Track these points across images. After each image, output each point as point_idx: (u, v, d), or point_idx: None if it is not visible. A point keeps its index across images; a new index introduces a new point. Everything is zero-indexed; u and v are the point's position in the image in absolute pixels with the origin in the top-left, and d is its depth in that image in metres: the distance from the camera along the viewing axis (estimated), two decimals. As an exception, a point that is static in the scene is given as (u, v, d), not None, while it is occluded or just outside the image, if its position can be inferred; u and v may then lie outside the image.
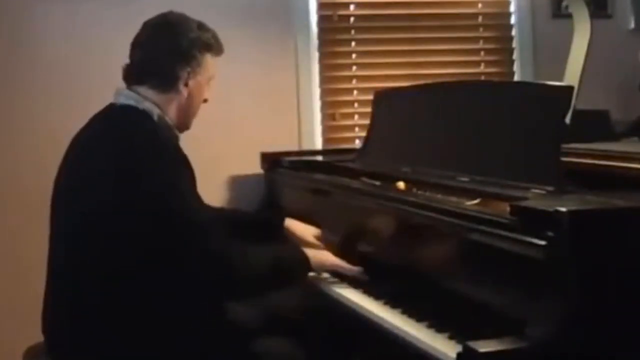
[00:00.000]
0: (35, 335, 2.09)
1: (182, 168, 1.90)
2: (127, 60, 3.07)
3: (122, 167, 1.86)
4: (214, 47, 2.10)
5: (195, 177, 1.93)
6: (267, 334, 2.09)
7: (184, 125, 2.12)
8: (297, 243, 2.24)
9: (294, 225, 2.41)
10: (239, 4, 3.03)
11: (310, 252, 2.09)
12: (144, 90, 2.02)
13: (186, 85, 2.04)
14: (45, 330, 1.97)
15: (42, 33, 3.06)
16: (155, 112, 2.00)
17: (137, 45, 2.08)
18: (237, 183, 3.19)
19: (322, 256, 2.13)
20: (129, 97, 2.01)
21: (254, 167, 3.07)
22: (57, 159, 3.00)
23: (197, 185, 1.94)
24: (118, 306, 1.83)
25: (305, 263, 2.05)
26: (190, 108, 2.09)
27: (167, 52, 2.03)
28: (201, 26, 2.09)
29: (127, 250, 1.83)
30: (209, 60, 2.09)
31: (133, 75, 2.06)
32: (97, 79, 3.08)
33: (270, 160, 3.02)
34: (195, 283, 1.86)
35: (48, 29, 3.06)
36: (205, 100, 2.15)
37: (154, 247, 1.82)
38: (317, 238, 2.36)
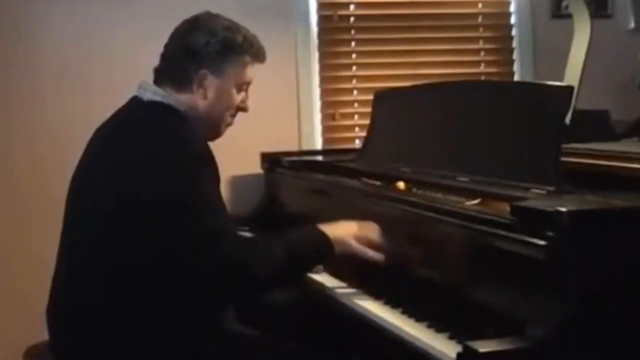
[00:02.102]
0: (35, 335, 2.09)
1: (208, 167, 1.86)
2: (126, 61, 3.10)
3: (146, 161, 1.83)
4: (243, 50, 2.02)
5: (219, 176, 1.90)
6: (267, 334, 2.09)
7: (211, 130, 2.05)
8: (315, 227, 2.04)
9: None
10: (239, 4, 3.03)
11: (330, 232, 1.96)
12: (165, 88, 1.99)
13: (201, 87, 1.99)
14: (50, 328, 1.97)
15: (42, 33, 3.06)
16: (182, 108, 1.97)
17: (165, 45, 2.06)
18: (237, 183, 3.19)
19: (344, 239, 1.97)
20: (155, 93, 1.98)
21: (254, 167, 3.07)
22: (55, 159, 3.02)
23: (219, 185, 1.90)
24: (126, 307, 1.82)
25: (327, 249, 1.95)
26: (213, 112, 2.02)
27: (181, 51, 2.00)
28: (229, 28, 2.02)
29: (141, 249, 1.81)
30: (236, 64, 2.02)
31: (156, 73, 2.04)
32: (97, 78, 3.09)
33: (270, 160, 3.02)
34: (210, 288, 1.84)
35: (48, 29, 3.07)
36: (241, 109, 2.09)
37: (168, 248, 1.80)
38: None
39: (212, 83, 2.00)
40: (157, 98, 1.97)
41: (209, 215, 1.82)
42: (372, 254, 1.96)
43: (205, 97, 2.00)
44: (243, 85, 2.07)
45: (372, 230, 2.00)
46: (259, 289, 1.93)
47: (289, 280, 1.98)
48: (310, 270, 2.05)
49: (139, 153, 1.86)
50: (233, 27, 2.03)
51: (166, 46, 2.06)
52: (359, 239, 1.97)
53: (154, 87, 1.99)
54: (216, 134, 2.08)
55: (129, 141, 1.91)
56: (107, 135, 2.00)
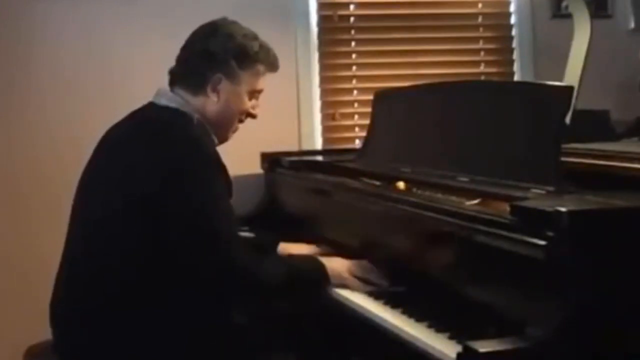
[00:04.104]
0: (36, 334, 2.09)
1: (218, 172, 1.90)
2: (126, 61, 3.10)
3: (162, 165, 1.85)
4: (258, 59, 2.07)
5: (230, 184, 1.94)
6: (266, 334, 2.09)
7: (220, 135, 2.08)
8: (314, 257, 2.13)
9: (288, 249, 2.36)
10: (239, 4, 3.03)
11: (327, 264, 2.02)
12: (179, 91, 2.03)
13: (215, 90, 2.02)
14: (52, 324, 1.97)
15: (41, 33, 3.06)
16: (195, 116, 2.00)
17: (182, 48, 2.09)
18: (237, 183, 3.15)
19: (340, 272, 2.03)
20: (172, 100, 2.01)
21: (254, 167, 3.07)
22: (55, 159, 3.02)
23: (230, 193, 1.94)
24: (128, 306, 1.83)
25: (323, 278, 2.00)
26: (223, 117, 2.06)
27: (198, 54, 2.03)
28: (247, 35, 2.06)
29: (145, 249, 1.83)
30: (251, 71, 2.06)
31: (171, 75, 2.07)
32: (97, 79, 3.09)
33: (270, 160, 3.01)
34: (211, 289, 1.86)
35: (48, 29, 3.07)
36: (251, 115, 2.13)
37: (173, 248, 1.82)
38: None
39: (225, 87, 2.03)
40: (173, 105, 2.00)
41: (215, 217, 1.84)
42: (364, 287, 1.99)
43: (217, 100, 2.03)
44: (255, 93, 2.11)
45: (366, 269, 2.04)
46: (258, 297, 1.95)
47: (283, 299, 2.02)
48: (304, 297, 2.06)
49: (149, 154, 1.87)
50: (250, 35, 2.07)
51: (183, 49, 2.09)
52: (353, 274, 2.02)
53: (171, 94, 2.02)
54: (223, 138, 2.11)
55: (140, 143, 1.93)
56: (119, 136, 2.01)
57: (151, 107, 2.03)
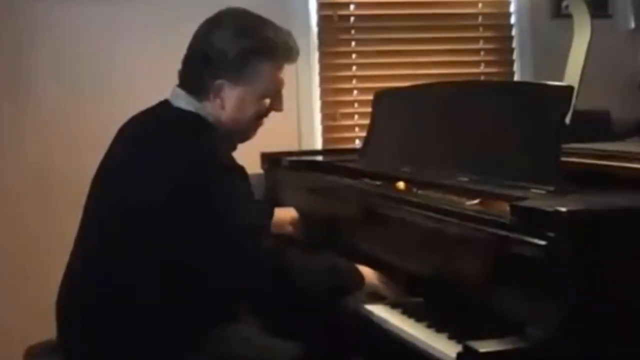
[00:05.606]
0: (36, 334, 2.09)
1: (240, 181, 1.84)
2: (126, 61, 3.11)
3: (170, 172, 1.79)
4: (264, 57, 1.92)
5: (249, 186, 1.87)
6: (266, 334, 2.09)
7: (238, 137, 2.00)
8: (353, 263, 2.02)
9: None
10: (238, 4, 3.03)
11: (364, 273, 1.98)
12: (186, 94, 1.92)
13: (218, 97, 1.90)
14: (57, 320, 1.96)
15: (42, 33, 3.06)
16: (211, 119, 1.91)
17: (188, 46, 1.98)
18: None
19: (372, 279, 1.99)
20: (189, 103, 1.90)
21: (254, 167, 3.06)
22: (54, 158, 3.03)
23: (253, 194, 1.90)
24: (133, 306, 1.83)
25: (360, 284, 1.97)
26: (235, 122, 1.94)
27: (197, 57, 1.92)
28: (247, 32, 1.92)
29: (152, 252, 1.81)
30: (256, 72, 1.91)
31: (179, 77, 1.97)
32: (97, 78, 3.09)
33: (270, 160, 3.01)
34: (217, 292, 1.84)
35: (48, 29, 3.07)
36: (274, 110, 2.02)
37: (192, 258, 1.79)
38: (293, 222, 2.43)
39: (230, 93, 1.91)
40: (191, 108, 1.91)
41: (229, 225, 1.79)
42: (391, 294, 1.98)
43: (222, 107, 1.92)
44: (268, 92, 1.97)
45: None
46: (285, 301, 1.92)
47: (319, 299, 1.96)
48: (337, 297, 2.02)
49: (159, 159, 1.82)
50: (252, 31, 1.93)
51: (188, 48, 1.97)
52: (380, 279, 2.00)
53: (188, 97, 1.92)
54: (243, 138, 2.03)
55: (151, 148, 1.86)
56: (133, 136, 1.95)
57: (168, 107, 1.94)
